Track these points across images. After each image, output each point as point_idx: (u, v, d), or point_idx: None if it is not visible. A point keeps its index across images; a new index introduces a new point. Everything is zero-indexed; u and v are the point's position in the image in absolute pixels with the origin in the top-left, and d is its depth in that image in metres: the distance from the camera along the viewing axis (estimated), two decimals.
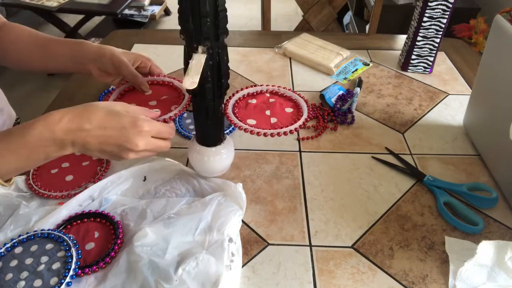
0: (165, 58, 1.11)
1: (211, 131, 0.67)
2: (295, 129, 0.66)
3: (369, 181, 0.75)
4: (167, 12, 3.37)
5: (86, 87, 1.00)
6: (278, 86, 0.75)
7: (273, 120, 0.69)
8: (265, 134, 0.65)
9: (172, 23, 3.29)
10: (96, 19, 2.87)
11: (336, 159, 0.80)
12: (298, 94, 0.73)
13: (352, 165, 0.79)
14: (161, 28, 3.14)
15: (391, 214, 0.70)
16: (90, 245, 0.60)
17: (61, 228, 0.61)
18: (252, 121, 0.68)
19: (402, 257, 0.63)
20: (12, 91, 2.40)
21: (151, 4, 3.10)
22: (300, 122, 0.67)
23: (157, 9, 3.06)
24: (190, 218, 0.60)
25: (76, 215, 0.63)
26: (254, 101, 0.72)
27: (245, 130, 0.65)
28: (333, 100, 0.93)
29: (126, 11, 2.89)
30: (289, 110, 0.71)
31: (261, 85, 0.75)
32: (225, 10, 0.57)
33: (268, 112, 0.70)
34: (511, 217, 0.69)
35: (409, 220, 0.68)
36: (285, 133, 0.65)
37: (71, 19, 2.56)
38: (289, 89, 0.74)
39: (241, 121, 0.67)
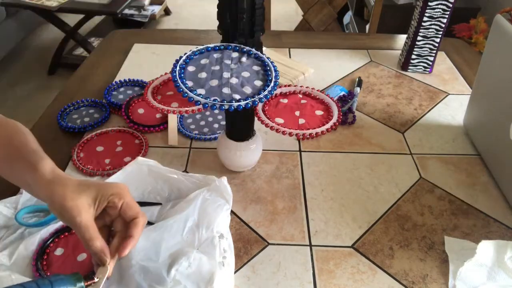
0: (165, 58, 1.11)
1: (243, 125, 0.69)
2: (322, 132, 0.67)
3: (369, 181, 0.75)
4: (167, 12, 3.36)
5: (86, 86, 1.00)
6: (312, 88, 0.75)
7: (301, 121, 0.69)
8: (290, 134, 0.65)
9: (171, 23, 3.28)
10: (96, 19, 2.86)
11: (336, 159, 0.80)
12: (331, 98, 0.73)
13: (352, 165, 0.79)
14: (161, 28, 3.14)
15: (391, 214, 0.70)
16: (82, 256, 0.59)
17: (49, 242, 0.60)
18: (280, 120, 0.69)
19: (402, 257, 0.63)
20: (12, 91, 2.40)
21: (151, 4, 3.10)
22: (328, 126, 0.68)
23: (157, 9, 3.06)
24: (176, 219, 0.58)
25: (62, 228, 0.62)
26: (285, 100, 0.73)
27: (271, 128, 0.66)
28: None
29: (126, 11, 2.88)
30: (319, 112, 0.71)
31: (295, 86, 0.75)
32: (262, 7, 0.59)
33: (297, 113, 0.71)
34: (511, 217, 0.69)
35: (409, 220, 0.69)
36: (310, 135, 0.66)
37: (71, 19, 2.55)
38: (322, 92, 0.74)
39: (269, 119, 0.68)
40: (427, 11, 0.97)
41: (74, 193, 0.48)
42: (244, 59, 0.64)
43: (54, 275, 0.44)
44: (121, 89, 0.96)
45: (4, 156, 0.53)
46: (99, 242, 0.47)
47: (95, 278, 0.46)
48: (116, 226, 0.50)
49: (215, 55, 0.64)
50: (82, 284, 0.44)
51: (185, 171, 0.77)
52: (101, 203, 0.49)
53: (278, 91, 0.74)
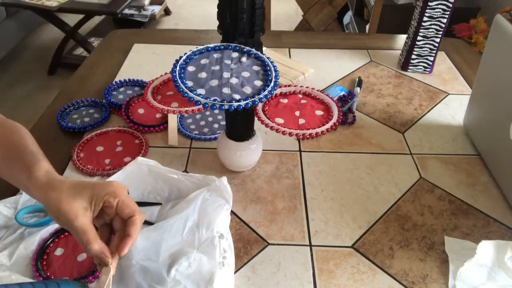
0: (165, 58, 1.11)
1: (243, 125, 0.69)
2: (322, 132, 0.66)
3: (369, 181, 0.75)
4: (167, 12, 3.36)
5: (86, 86, 1.00)
6: (312, 88, 0.75)
7: (301, 121, 0.69)
8: (290, 134, 0.65)
9: (171, 23, 3.28)
10: (96, 19, 2.86)
11: (336, 159, 0.80)
12: (331, 98, 0.73)
13: (352, 165, 0.79)
14: (161, 28, 3.14)
15: (391, 214, 0.70)
16: (82, 256, 0.60)
17: (49, 242, 0.60)
18: (280, 120, 0.68)
19: (402, 257, 0.63)
20: (12, 91, 2.40)
21: (151, 4, 3.10)
22: (328, 126, 0.67)
23: (157, 9, 3.06)
24: (176, 219, 0.58)
25: (62, 228, 0.62)
26: (285, 100, 0.73)
27: (271, 128, 0.66)
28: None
29: (126, 11, 2.88)
30: (319, 112, 0.71)
31: (295, 86, 0.75)
32: (262, 7, 0.58)
33: (297, 113, 0.70)
34: (511, 217, 0.69)
35: (409, 220, 0.68)
36: (310, 135, 0.66)
37: (71, 19, 2.55)
38: (322, 92, 0.74)
39: (269, 119, 0.68)
40: (427, 11, 0.97)
41: (69, 197, 0.47)
42: (244, 59, 0.63)
43: (61, 279, 0.44)
44: (121, 89, 0.97)
45: (2, 156, 0.53)
46: (97, 244, 0.46)
47: None
48: (115, 224, 0.50)
49: (215, 55, 0.64)
50: None
51: (185, 171, 0.77)
52: (97, 204, 0.48)
53: (278, 91, 0.73)
